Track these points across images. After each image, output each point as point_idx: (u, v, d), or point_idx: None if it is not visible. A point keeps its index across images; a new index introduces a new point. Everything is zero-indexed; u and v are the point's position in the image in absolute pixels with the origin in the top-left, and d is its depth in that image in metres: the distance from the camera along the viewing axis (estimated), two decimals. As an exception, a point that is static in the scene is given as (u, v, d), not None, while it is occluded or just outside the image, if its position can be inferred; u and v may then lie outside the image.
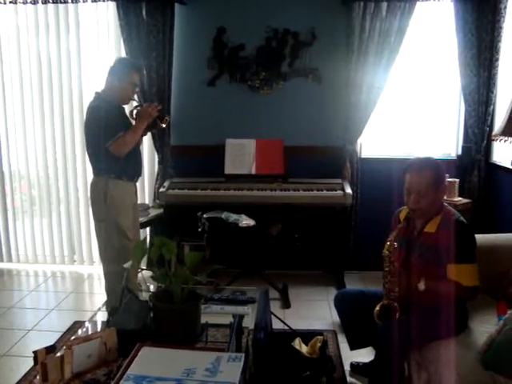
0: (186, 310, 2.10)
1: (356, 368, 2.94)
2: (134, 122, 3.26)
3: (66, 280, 4.64)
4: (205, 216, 3.89)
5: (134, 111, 3.29)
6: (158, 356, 1.84)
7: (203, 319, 2.20)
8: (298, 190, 4.09)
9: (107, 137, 3.04)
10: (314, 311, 3.83)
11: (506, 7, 3.97)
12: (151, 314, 2.18)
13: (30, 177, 4.81)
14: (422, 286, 2.36)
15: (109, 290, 3.30)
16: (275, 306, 3.73)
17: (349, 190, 4.06)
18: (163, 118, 3.35)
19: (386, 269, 2.41)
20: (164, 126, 3.37)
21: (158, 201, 4.31)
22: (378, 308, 2.39)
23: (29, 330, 3.53)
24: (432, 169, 2.43)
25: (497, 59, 4.07)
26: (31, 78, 4.62)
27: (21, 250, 4.94)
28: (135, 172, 3.36)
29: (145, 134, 3.38)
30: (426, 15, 4.25)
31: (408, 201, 2.46)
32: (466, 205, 4.00)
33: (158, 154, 4.49)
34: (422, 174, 2.41)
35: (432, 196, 2.41)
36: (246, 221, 3.87)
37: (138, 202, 4.45)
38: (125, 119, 3.27)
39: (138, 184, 4.42)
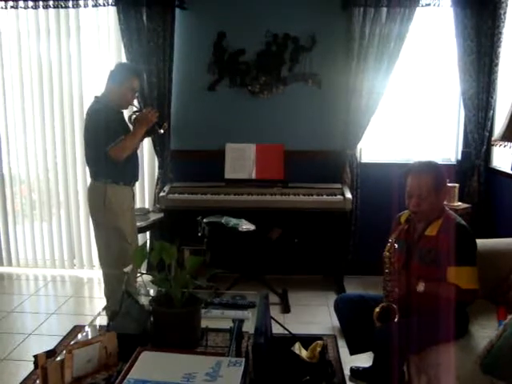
0: (186, 315, 2.11)
1: (356, 373, 2.93)
2: (131, 127, 3.26)
3: (66, 284, 4.64)
4: (205, 220, 3.90)
5: (133, 116, 3.30)
6: (158, 360, 1.84)
7: (203, 323, 2.20)
8: (298, 195, 4.10)
9: (107, 141, 3.04)
10: (313, 316, 3.82)
11: (505, 13, 3.98)
12: (151, 319, 2.18)
13: (31, 181, 4.81)
14: (421, 287, 2.37)
15: (109, 294, 3.30)
16: (275, 311, 3.73)
17: (349, 195, 4.07)
18: (162, 123, 3.36)
19: (387, 270, 2.42)
20: (162, 131, 3.38)
21: (158, 205, 4.32)
22: (377, 309, 2.40)
23: (29, 334, 3.53)
24: (433, 172, 2.44)
25: (496, 64, 4.08)
26: (32, 82, 4.63)
27: (21, 254, 4.93)
28: (133, 176, 3.36)
29: (142, 139, 3.38)
30: (426, 21, 4.27)
31: (409, 204, 2.47)
32: (466, 210, 4.00)
33: (158, 158, 4.49)
34: (423, 178, 2.42)
35: (433, 199, 2.42)
36: (245, 225, 3.88)
37: (138, 206, 4.47)
38: (124, 124, 3.27)
39: (138, 188, 4.44)
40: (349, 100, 4.27)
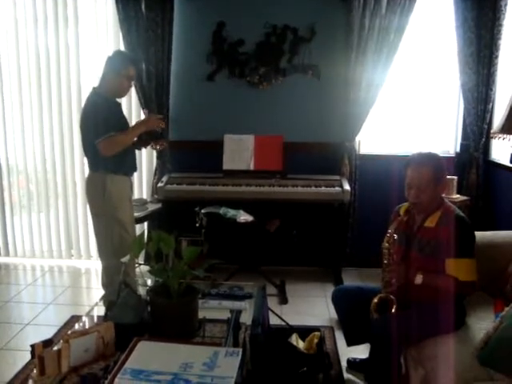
0: (184, 305, 2.11)
1: (353, 364, 2.94)
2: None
3: (64, 274, 4.63)
4: (203, 211, 3.89)
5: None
6: (155, 350, 1.84)
7: (201, 314, 2.21)
8: (297, 186, 4.09)
9: (98, 134, 3.01)
10: (311, 307, 3.83)
11: (506, 4, 3.96)
12: (149, 309, 2.18)
13: (28, 171, 4.79)
14: (419, 279, 2.37)
15: (107, 284, 3.29)
16: (273, 302, 3.74)
17: (347, 187, 4.06)
18: (159, 138, 3.38)
19: (386, 261, 2.42)
20: (158, 148, 3.44)
21: (156, 196, 4.31)
22: (375, 300, 2.40)
23: (26, 324, 3.53)
24: (433, 164, 2.44)
25: (496, 56, 4.06)
26: (29, 71, 4.59)
27: (18, 244, 4.92)
28: (132, 167, 3.35)
29: (135, 143, 3.32)
30: (426, 12, 4.24)
31: (409, 195, 2.47)
32: (464, 202, 4.00)
33: (156, 148, 4.47)
34: (423, 169, 2.42)
35: (432, 191, 2.42)
36: (243, 216, 3.87)
37: (136, 196, 4.46)
38: (120, 118, 3.24)
39: (136, 179, 4.43)
40: (348, 92, 4.25)
